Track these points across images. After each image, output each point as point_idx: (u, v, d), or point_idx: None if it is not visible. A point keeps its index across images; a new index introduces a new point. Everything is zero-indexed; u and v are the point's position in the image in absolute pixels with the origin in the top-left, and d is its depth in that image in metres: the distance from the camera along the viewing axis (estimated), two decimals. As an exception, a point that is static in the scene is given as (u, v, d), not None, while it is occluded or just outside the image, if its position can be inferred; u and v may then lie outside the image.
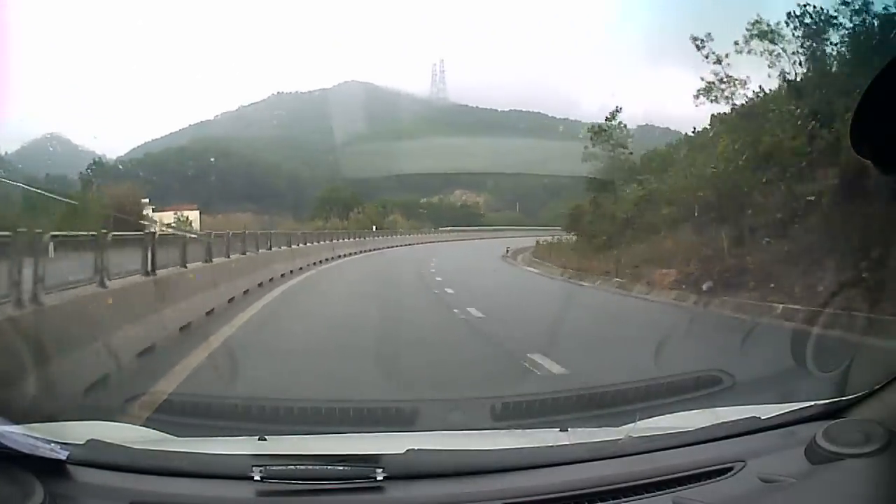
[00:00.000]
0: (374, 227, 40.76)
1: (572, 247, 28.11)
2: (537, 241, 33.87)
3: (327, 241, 29.37)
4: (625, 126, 27.74)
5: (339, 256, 28.48)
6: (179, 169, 42.48)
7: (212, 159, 45.14)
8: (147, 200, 32.35)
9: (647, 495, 2.01)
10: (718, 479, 2.06)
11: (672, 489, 2.01)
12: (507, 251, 33.67)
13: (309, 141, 49.70)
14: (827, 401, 2.39)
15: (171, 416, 4.20)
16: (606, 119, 28.29)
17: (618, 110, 28.44)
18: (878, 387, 2.26)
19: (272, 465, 2.03)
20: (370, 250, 34.30)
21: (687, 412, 3.03)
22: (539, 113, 60.31)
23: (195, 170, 43.34)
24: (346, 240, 32.84)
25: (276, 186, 47.91)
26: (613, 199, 26.88)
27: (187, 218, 34.13)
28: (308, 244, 25.51)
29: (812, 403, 2.41)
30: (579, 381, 6.07)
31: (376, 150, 44.81)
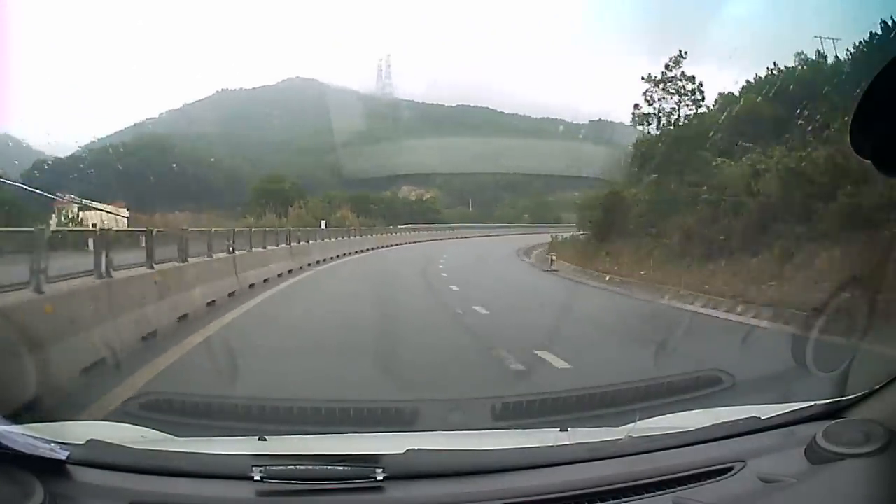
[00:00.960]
0: (323, 224, 33.35)
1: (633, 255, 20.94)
2: (551, 241, 31.80)
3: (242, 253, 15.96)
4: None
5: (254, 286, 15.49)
6: (119, 167, 40.03)
7: (153, 157, 43.01)
8: (71, 198, 29.74)
9: (647, 495, 2.01)
10: (718, 479, 2.06)
11: (672, 489, 2.01)
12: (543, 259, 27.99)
13: (252, 139, 48.61)
14: (827, 401, 2.39)
15: (171, 416, 4.19)
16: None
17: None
18: (878, 387, 2.26)
19: (272, 465, 2.03)
20: (335, 259, 25.98)
21: (687, 412, 3.03)
22: (487, 108, 60.70)
23: (135, 168, 40.84)
24: (276, 246, 20.22)
25: (217, 184, 46.15)
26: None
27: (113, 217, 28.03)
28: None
29: (812, 403, 2.41)
30: None
31: (320, 146, 44.00)
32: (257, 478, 1.98)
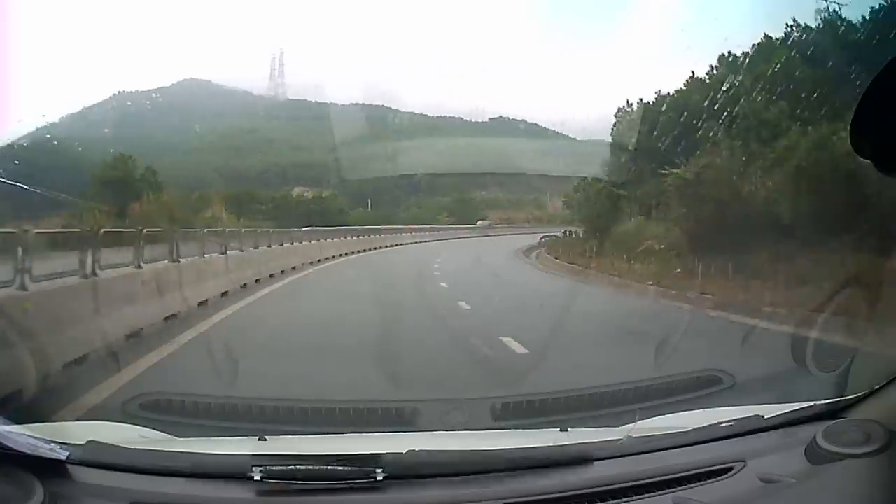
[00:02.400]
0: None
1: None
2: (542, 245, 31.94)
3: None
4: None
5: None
6: (11, 174, 38.83)
7: (45, 162, 40.67)
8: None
9: (647, 495, 2.01)
10: (718, 479, 2.06)
11: (672, 489, 2.01)
12: None
13: (148, 141, 44.97)
14: (827, 401, 2.39)
15: (170, 415, 4.19)
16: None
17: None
18: (878, 387, 2.26)
19: (272, 465, 2.03)
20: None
21: (687, 412, 3.03)
22: (383, 106, 59.02)
23: (30, 173, 38.90)
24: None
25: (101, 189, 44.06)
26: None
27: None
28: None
29: (812, 403, 2.41)
30: None
31: (212, 147, 42.88)
32: (257, 478, 1.98)
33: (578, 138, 61.53)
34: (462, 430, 3.87)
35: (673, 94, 27.06)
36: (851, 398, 2.33)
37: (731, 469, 2.08)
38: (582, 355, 7.57)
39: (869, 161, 1.77)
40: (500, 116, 60.03)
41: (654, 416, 3.04)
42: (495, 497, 2.00)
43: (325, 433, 3.78)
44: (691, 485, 2.03)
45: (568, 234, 33.02)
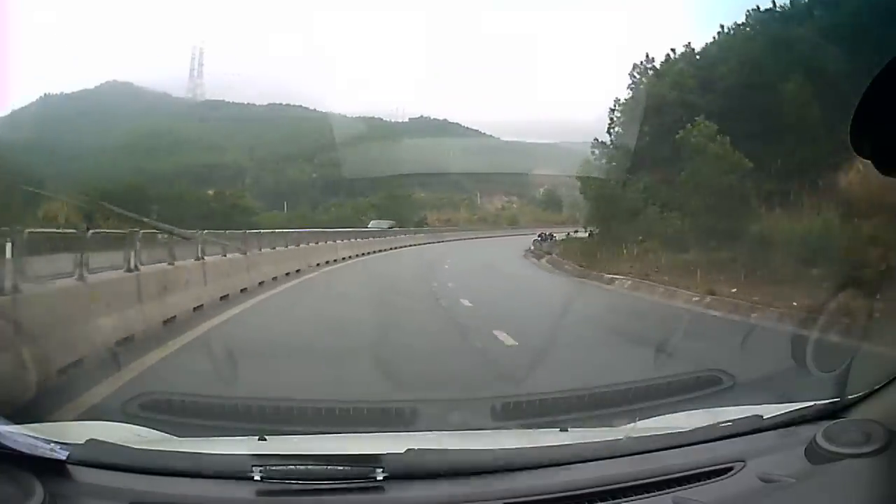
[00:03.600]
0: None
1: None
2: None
3: None
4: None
5: None
6: None
7: None
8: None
9: (647, 495, 2.01)
10: (718, 479, 2.06)
11: (672, 489, 2.01)
12: None
13: (72, 145, 44.52)
14: (827, 401, 2.39)
15: (170, 415, 4.19)
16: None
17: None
18: (878, 387, 2.26)
19: (272, 465, 2.03)
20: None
21: (687, 412, 3.03)
22: (300, 106, 58.71)
23: None
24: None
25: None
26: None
27: None
28: None
29: (812, 403, 2.41)
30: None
31: (129, 149, 41.91)
32: (257, 478, 1.98)
33: (503, 138, 61.71)
34: (462, 430, 3.87)
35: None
36: (851, 398, 2.33)
37: (730, 469, 2.08)
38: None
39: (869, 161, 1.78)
40: (421, 116, 59.92)
41: (654, 416, 3.04)
42: (495, 497, 2.00)
43: (325, 433, 3.77)
44: (691, 485, 2.03)
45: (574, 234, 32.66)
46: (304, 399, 5.12)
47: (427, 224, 44.21)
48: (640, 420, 2.75)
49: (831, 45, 19.04)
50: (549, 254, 28.78)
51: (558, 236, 34.29)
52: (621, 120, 27.52)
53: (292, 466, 2.05)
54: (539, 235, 36.58)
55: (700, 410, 3.03)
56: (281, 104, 59.14)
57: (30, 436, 2.04)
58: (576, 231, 35.46)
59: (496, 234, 46.44)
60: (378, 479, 1.98)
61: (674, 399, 4.26)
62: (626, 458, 2.19)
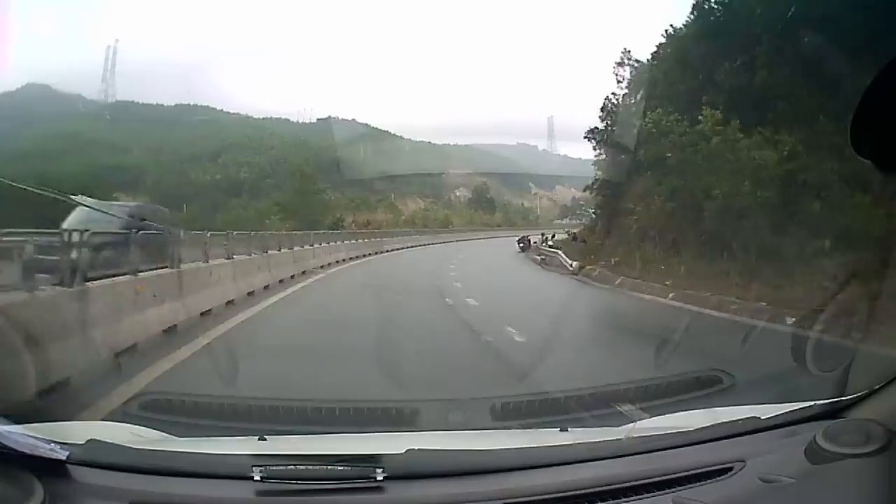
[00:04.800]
0: None
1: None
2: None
3: None
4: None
5: None
6: None
7: None
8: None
9: (647, 495, 2.01)
10: (718, 479, 2.06)
11: (672, 489, 2.01)
12: None
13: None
14: (827, 401, 2.39)
15: (171, 415, 4.19)
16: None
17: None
18: (878, 387, 2.26)
19: (272, 465, 2.03)
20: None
21: (687, 412, 3.03)
22: (208, 107, 59.49)
23: None
24: None
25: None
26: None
27: None
28: None
29: (812, 403, 2.41)
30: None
31: (40, 152, 41.53)
32: (257, 478, 1.98)
33: (414, 138, 61.25)
34: (462, 429, 3.88)
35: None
36: (851, 398, 2.33)
37: (731, 469, 2.08)
38: None
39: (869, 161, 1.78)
40: (329, 117, 60.06)
41: (655, 416, 3.04)
42: (495, 497, 2.00)
43: (325, 433, 3.78)
44: (691, 485, 2.03)
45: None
46: (304, 399, 5.13)
47: (343, 227, 38.48)
48: (640, 420, 2.74)
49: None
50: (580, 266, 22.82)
51: (533, 239, 34.43)
52: (617, 118, 26.83)
53: (292, 466, 2.05)
54: (520, 242, 35.92)
55: (700, 410, 3.03)
56: (189, 105, 59.47)
57: (30, 436, 2.04)
58: (553, 235, 35.28)
59: (460, 237, 43.87)
60: (378, 479, 1.98)
61: (674, 399, 4.26)
62: (626, 458, 2.19)
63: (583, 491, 2.01)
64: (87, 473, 2.01)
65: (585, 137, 29.15)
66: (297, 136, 50.51)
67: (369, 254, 30.93)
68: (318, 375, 6.68)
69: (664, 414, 3.10)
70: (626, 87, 28.18)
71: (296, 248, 21.58)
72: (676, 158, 18.89)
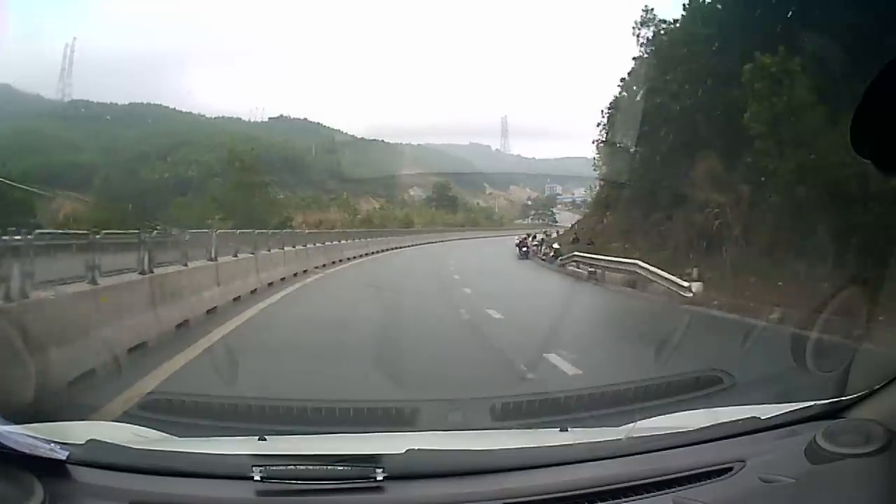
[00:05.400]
0: None
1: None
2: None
3: None
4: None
5: None
6: None
7: None
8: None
9: (647, 495, 2.01)
10: (718, 479, 2.06)
11: (672, 489, 2.01)
12: None
13: None
14: (827, 401, 2.39)
15: (171, 415, 4.20)
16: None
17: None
18: (878, 387, 2.26)
19: (272, 465, 2.03)
20: None
21: (687, 412, 3.03)
22: (160, 105, 58.13)
23: None
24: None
25: None
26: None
27: None
28: None
29: (812, 403, 2.41)
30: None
31: (2, 151, 40.94)
32: (257, 478, 1.98)
33: (367, 138, 59.82)
34: (462, 429, 3.88)
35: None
36: (851, 398, 2.33)
37: (731, 469, 2.08)
38: None
39: (869, 161, 1.77)
40: (281, 115, 59.88)
41: (654, 416, 3.04)
42: (495, 497, 2.00)
43: (325, 433, 3.78)
44: (691, 485, 2.03)
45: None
46: (304, 399, 5.13)
47: (292, 227, 33.43)
48: (640, 420, 2.74)
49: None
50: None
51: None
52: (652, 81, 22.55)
53: (292, 466, 2.05)
54: (521, 245, 30.31)
55: (700, 410, 3.03)
56: (142, 103, 58.23)
57: (30, 436, 2.04)
58: (545, 234, 34.33)
59: (430, 239, 41.35)
60: (378, 479, 1.98)
61: (674, 399, 4.26)
62: (626, 458, 2.19)
63: (583, 491, 2.01)
64: (87, 473, 2.01)
65: (603, 112, 26.81)
66: (247, 134, 50.16)
67: (322, 266, 22.24)
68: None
69: (664, 414, 3.10)
70: (647, 52, 24.68)
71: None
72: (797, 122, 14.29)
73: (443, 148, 68.64)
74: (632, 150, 23.20)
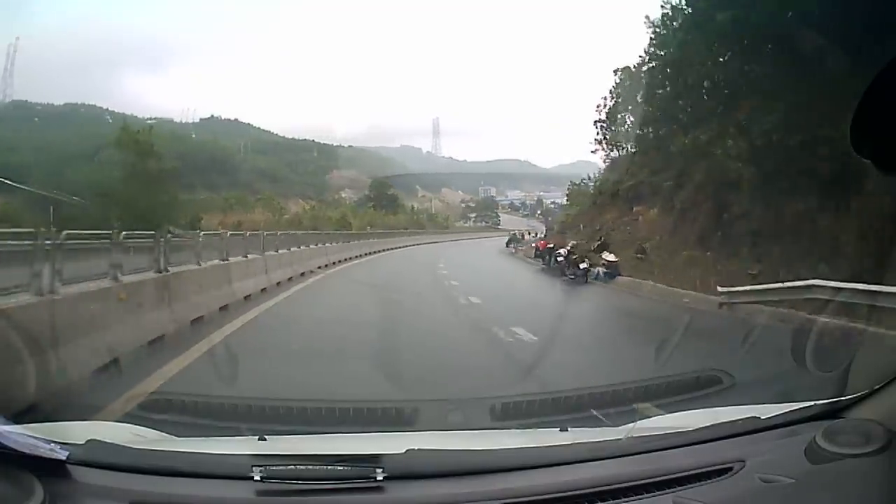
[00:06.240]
0: None
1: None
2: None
3: None
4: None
5: None
6: None
7: None
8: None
9: (647, 495, 2.01)
10: (718, 479, 2.06)
11: (672, 489, 2.01)
12: None
13: None
14: (827, 401, 2.39)
15: (171, 415, 4.19)
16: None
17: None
18: (878, 387, 2.26)
19: (272, 465, 2.03)
20: None
21: (687, 412, 3.03)
22: (94, 105, 59.20)
23: None
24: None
25: None
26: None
27: None
28: None
29: (812, 403, 2.41)
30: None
31: None
32: (257, 478, 1.98)
33: (288, 136, 59.83)
34: (462, 429, 3.87)
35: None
36: (851, 398, 2.33)
37: (731, 469, 2.08)
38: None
39: (869, 161, 1.77)
40: (212, 116, 60.84)
41: (655, 416, 3.04)
42: (495, 497, 2.00)
43: (325, 433, 3.78)
44: (691, 485, 2.03)
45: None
46: (304, 399, 5.12)
47: (200, 228, 25.65)
48: (640, 420, 2.74)
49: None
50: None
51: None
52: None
53: (292, 466, 2.05)
54: (545, 255, 23.89)
55: (700, 410, 3.03)
56: (77, 103, 59.03)
57: (30, 436, 2.04)
58: (522, 235, 33.74)
59: (379, 246, 35.88)
60: (378, 479, 1.98)
61: (674, 399, 4.26)
62: (626, 458, 2.19)
63: (583, 491, 2.01)
64: (87, 473, 2.01)
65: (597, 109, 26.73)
66: (176, 134, 50.25)
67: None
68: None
69: (664, 414, 3.10)
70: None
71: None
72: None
73: (374, 150, 68.95)
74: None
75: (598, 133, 30.41)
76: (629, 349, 8.85)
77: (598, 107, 30.03)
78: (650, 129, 22.93)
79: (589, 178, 35.06)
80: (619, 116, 28.84)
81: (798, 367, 4.08)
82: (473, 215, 61.85)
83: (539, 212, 61.41)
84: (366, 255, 31.34)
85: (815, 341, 4.56)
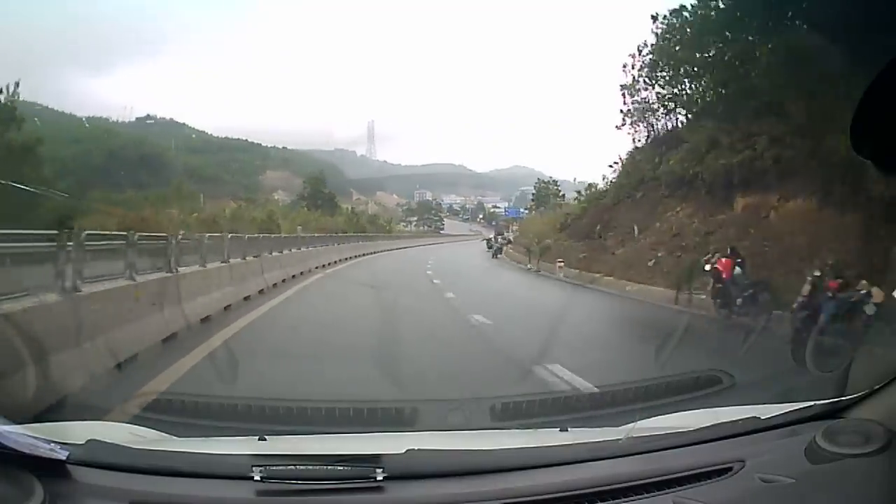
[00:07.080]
0: None
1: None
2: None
3: None
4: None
5: None
6: None
7: None
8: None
9: (647, 495, 2.01)
10: (718, 479, 2.06)
11: (672, 489, 2.01)
12: None
13: None
14: (827, 401, 2.39)
15: (171, 415, 4.20)
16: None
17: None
18: (878, 387, 2.26)
19: (272, 465, 2.03)
20: None
21: (687, 412, 3.02)
22: (35, 103, 57.61)
23: None
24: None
25: None
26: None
27: None
28: None
29: (812, 403, 2.41)
30: None
31: None
32: (257, 478, 1.98)
33: (230, 136, 59.24)
34: (462, 429, 3.87)
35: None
36: (851, 398, 2.33)
37: (731, 469, 2.08)
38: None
39: (869, 161, 1.77)
40: (148, 116, 59.97)
41: (655, 416, 3.04)
42: (495, 497, 2.00)
43: (325, 433, 3.78)
44: (691, 485, 2.03)
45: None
46: (304, 399, 5.12)
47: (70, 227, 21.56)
48: (640, 420, 2.74)
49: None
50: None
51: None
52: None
53: (292, 466, 2.05)
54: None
55: (700, 410, 3.03)
56: (25, 101, 58.93)
57: (30, 436, 2.04)
58: (494, 239, 32.71)
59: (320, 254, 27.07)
60: (378, 479, 1.97)
61: (674, 399, 4.26)
62: (626, 458, 2.19)
63: (583, 491, 2.01)
64: (87, 473, 2.00)
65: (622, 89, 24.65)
66: (110, 132, 49.95)
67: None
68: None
69: (664, 414, 3.10)
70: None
71: None
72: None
73: (308, 152, 68.27)
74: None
75: (624, 102, 25.39)
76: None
77: (624, 66, 25.25)
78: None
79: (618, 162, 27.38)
80: (658, 74, 23.70)
81: (798, 367, 4.09)
82: (415, 219, 60.76)
83: (481, 216, 61.07)
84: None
85: (815, 341, 4.56)
